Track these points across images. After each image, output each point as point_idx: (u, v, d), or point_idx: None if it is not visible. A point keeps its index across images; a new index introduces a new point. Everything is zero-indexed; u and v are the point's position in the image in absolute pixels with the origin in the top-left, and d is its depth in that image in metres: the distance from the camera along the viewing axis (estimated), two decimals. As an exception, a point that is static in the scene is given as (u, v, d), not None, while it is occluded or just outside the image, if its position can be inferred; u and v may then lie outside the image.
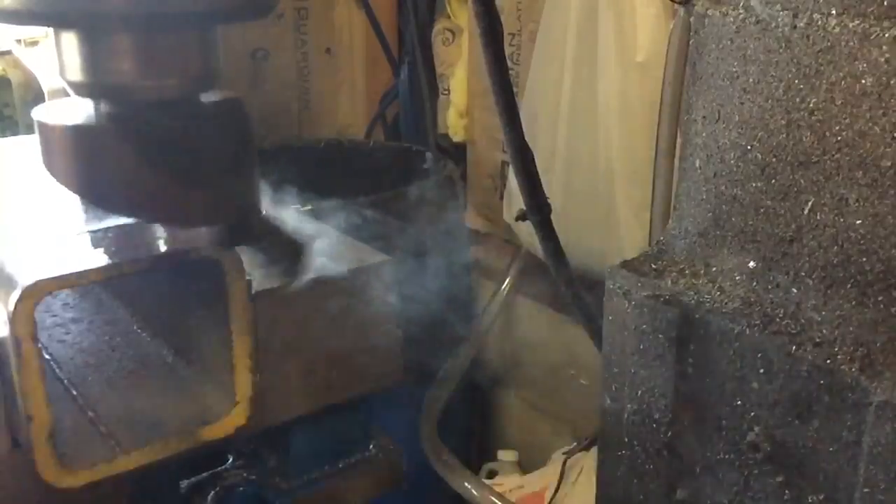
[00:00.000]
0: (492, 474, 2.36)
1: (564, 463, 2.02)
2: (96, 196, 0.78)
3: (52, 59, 2.27)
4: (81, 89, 0.69)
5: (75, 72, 0.66)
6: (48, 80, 2.36)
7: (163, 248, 0.86)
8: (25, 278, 0.73)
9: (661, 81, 1.60)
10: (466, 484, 2.01)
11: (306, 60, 2.75)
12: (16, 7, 0.59)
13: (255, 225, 0.88)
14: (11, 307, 0.72)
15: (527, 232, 2.08)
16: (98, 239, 0.88)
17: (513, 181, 2.17)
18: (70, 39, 0.64)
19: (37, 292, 0.73)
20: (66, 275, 0.75)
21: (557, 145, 2.00)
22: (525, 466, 2.38)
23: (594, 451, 1.97)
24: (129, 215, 0.84)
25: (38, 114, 0.77)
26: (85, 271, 0.77)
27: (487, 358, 2.51)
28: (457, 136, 2.58)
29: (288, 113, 2.73)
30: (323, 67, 2.78)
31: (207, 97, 0.73)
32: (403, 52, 2.76)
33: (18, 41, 2.55)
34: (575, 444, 2.02)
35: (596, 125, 1.91)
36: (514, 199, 2.16)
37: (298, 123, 2.76)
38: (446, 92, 2.60)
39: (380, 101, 2.86)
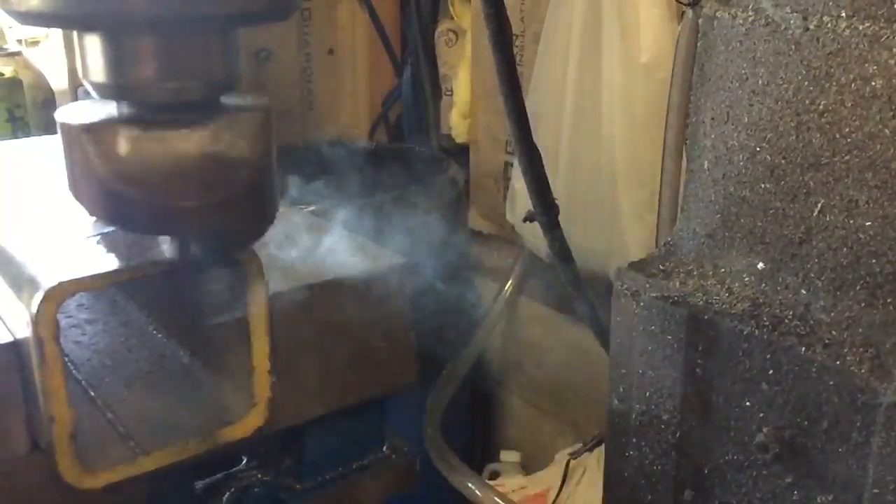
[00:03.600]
0: (494, 475, 2.36)
1: (568, 464, 2.02)
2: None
3: (58, 59, 2.25)
4: (104, 90, 0.69)
5: (99, 73, 0.66)
6: (54, 81, 2.36)
7: (161, 251, 0.86)
8: (48, 279, 0.74)
9: (664, 83, 1.60)
10: (469, 484, 2.01)
11: (309, 61, 2.74)
12: (41, 9, 0.60)
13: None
14: (34, 308, 0.72)
15: (530, 233, 2.09)
16: (109, 241, 0.89)
17: (516, 182, 2.17)
18: (94, 41, 0.65)
19: (60, 293, 0.73)
20: (90, 276, 0.75)
21: (561, 146, 2.00)
22: (528, 467, 2.38)
23: (597, 451, 1.97)
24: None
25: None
26: (108, 273, 0.77)
27: (490, 359, 2.51)
28: (460, 137, 2.58)
29: (291, 113, 2.73)
30: (326, 68, 2.78)
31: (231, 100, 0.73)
32: (406, 52, 2.75)
33: (19, 41, 2.55)
34: (579, 444, 2.03)
35: (600, 126, 1.91)
36: (518, 201, 2.16)
37: (302, 124, 2.76)
38: (449, 93, 2.60)
39: (383, 102, 2.86)
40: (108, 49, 0.64)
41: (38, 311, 0.72)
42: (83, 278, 0.75)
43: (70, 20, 0.62)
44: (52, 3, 0.58)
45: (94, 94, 0.71)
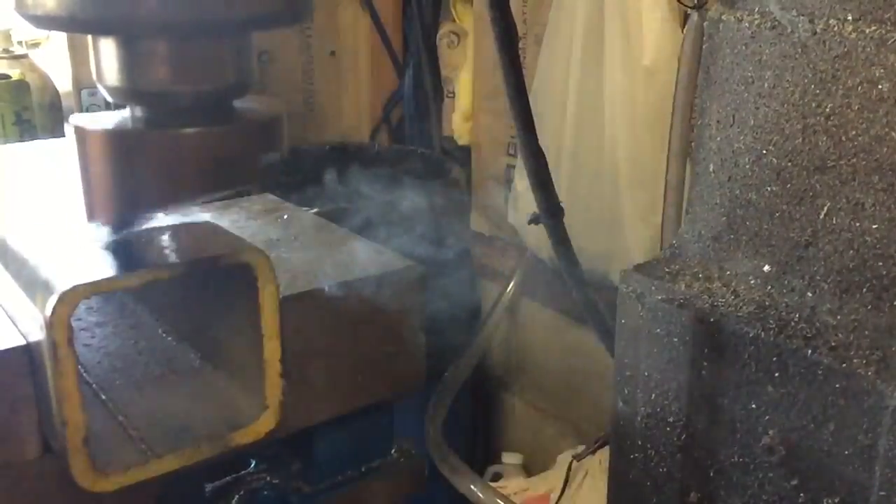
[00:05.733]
0: (496, 477, 2.36)
1: (570, 466, 2.02)
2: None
3: (61, 61, 2.24)
4: (119, 94, 0.69)
5: (113, 77, 0.67)
6: (57, 83, 2.36)
7: (174, 254, 0.86)
8: (62, 282, 0.74)
9: (667, 85, 1.60)
10: (472, 486, 2.01)
11: (311, 63, 2.74)
12: (59, 13, 0.60)
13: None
14: (49, 311, 0.72)
15: (532, 235, 2.09)
16: (119, 244, 0.89)
17: (518, 184, 2.17)
18: (109, 45, 0.65)
19: (74, 296, 0.73)
20: (105, 279, 0.75)
21: (563, 148, 2.00)
22: (530, 469, 2.39)
23: (599, 454, 1.97)
24: None
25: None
26: (122, 275, 0.77)
27: (492, 361, 2.51)
28: (461, 139, 2.58)
29: (292, 116, 2.72)
30: (327, 70, 2.78)
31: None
32: (408, 54, 2.75)
33: (20, 43, 2.54)
34: (583, 446, 2.02)
35: (602, 128, 1.91)
36: (520, 202, 2.16)
37: (303, 126, 2.76)
38: (451, 95, 2.60)
39: (384, 104, 2.86)
40: (123, 53, 0.64)
41: (52, 314, 0.72)
42: (98, 281, 0.75)
43: (86, 24, 0.62)
44: (68, 8, 0.59)
45: (107, 97, 0.71)
